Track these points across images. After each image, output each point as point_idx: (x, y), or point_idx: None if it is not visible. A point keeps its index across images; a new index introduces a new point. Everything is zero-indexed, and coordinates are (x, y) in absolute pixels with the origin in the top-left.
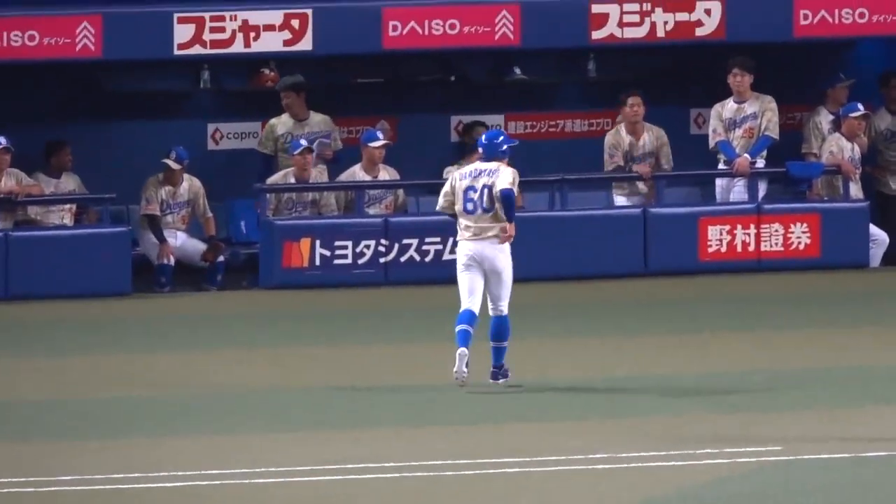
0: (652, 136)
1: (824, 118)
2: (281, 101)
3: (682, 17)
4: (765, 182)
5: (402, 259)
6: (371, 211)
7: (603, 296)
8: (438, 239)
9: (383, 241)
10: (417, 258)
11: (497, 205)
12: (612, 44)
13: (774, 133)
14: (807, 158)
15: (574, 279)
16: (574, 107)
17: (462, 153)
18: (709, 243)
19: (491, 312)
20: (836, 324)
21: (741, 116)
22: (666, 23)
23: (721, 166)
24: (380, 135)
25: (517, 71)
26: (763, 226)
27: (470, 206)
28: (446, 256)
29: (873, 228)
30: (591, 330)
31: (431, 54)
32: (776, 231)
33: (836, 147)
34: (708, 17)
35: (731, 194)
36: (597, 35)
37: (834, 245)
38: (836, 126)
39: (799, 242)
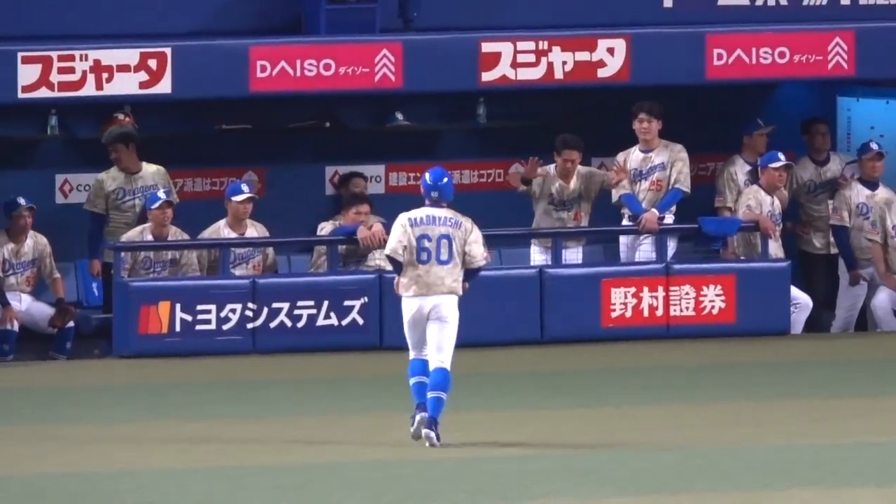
0: (579, 182)
1: (740, 169)
2: (109, 154)
3: (583, 56)
4: (674, 240)
5: (272, 325)
6: (237, 272)
7: (496, 366)
8: (312, 302)
9: (251, 305)
10: (289, 324)
11: (457, 259)
12: (505, 86)
13: (685, 186)
14: (721, 214)
15: (463, 347)
16: (462, 156)
17: (338, 207)
18: (612, 308)
19: (432, 365)
20: (755, 397)
21: (648, 167)
22: (565, 63)
23: (626, 222)
24: (245, 188)
25: (399, 116)
26: (672, 288)
27: (424, 256)
28: (321, 322)
29: (795, 291)
30: (482, 403)
31: (304, 98)
32: (687, 294)
33: (754, 201)
34: (611, 56)
35: (637, 253)
36: (487, 77)
37: (751, 310)
38: (754, 177)
39: (712, 307)
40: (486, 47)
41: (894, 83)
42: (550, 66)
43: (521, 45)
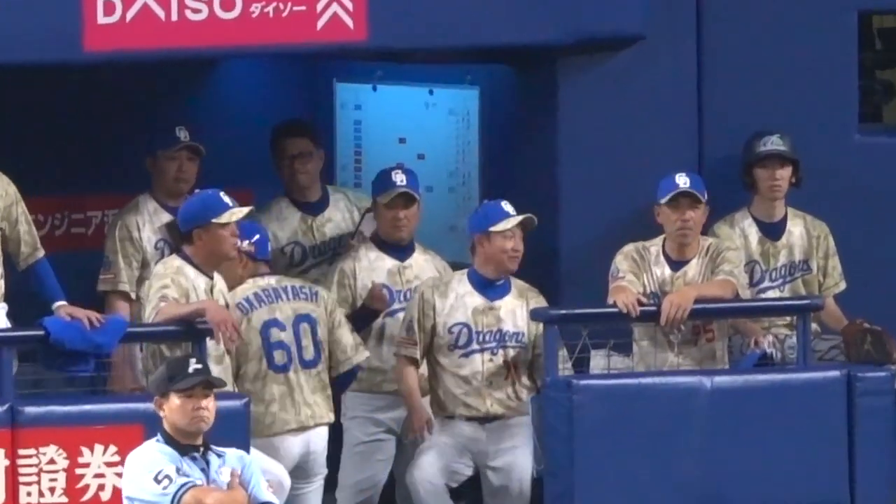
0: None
1: (141, 222)
2: None
3: None
4: (13, 356)
5: None
6: None
7: None
8: None
9: None
10: None
11: (326, 355)
12: None
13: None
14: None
15: None
16: None
17: None
18: None
19: None
20: None
21: None
22: None
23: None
24: None
25: None
26: (24, 451)
27: (279, 358)
28: None
29: (264, 460)
30: None
31: None
32: (51, 462)
33: (175, 286)
34: None
35: None
36: None
37: None
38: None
39: (100, 487)
40: None
41: (440, 55)
42: None
43: None
